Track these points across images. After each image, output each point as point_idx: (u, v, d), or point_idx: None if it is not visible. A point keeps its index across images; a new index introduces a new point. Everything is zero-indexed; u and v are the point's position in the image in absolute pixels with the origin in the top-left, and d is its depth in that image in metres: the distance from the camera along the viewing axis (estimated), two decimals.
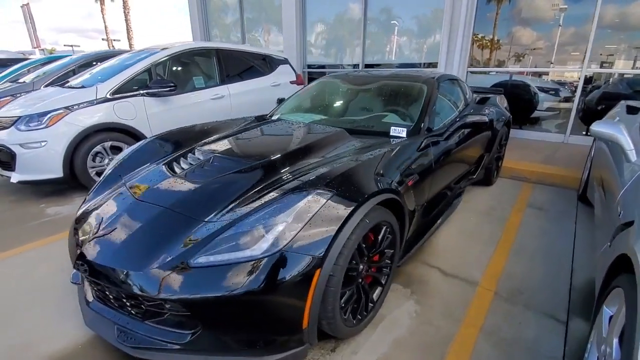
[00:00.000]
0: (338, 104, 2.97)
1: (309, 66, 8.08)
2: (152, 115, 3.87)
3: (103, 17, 28.02)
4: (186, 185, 1.75)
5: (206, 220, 1.50)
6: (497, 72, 6.88)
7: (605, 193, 2.34)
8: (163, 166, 2.00)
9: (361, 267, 1.69)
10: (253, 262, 1.29)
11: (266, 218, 1.39)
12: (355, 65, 7.26)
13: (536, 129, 5.75)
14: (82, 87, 3.84)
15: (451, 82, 3.21)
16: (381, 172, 1.80)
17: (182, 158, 2.07)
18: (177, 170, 1.94)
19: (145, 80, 3.95)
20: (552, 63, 6.54)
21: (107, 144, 3.65)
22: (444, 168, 2.54)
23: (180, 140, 2.44)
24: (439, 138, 2.44)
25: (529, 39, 6.33)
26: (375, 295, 1.85)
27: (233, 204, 1.55)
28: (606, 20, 4.96)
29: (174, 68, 4.28)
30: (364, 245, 1.65)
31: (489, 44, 8.03)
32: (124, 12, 24.45)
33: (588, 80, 5.67)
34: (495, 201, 3.44)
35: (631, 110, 2.84)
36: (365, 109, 2.74)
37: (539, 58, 6.34)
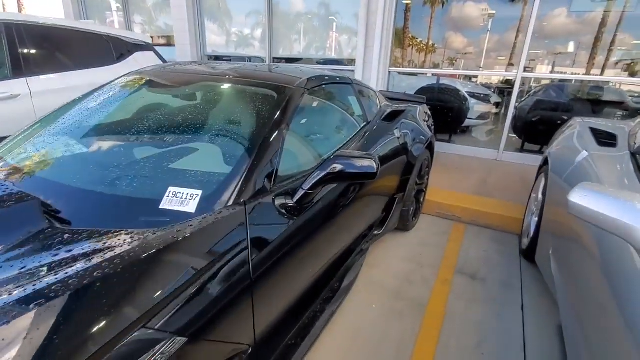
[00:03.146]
0: (123, 124, 1.57)
1: (212, 57, 6.56)
2: None
3: None
4: None
5: None
6: (421, 73, 6.03)
7: (581, 294, 1.31)
8: None
9: None
10: None
11: None
12: (262, 59, 5.93)
13: (467, 143, 4.92)
14: None
15: (341, 88, 2.01)
16: None
17: None
18: None
19: None
20: (480, 67, 5.84)
21: None
22: (305, 250, 1.32)
23: None
24: (286, 199, 1.21)
25: (461, 40, 5.61)
26: None
27: None
28: (547, 21, 4.23)
29: None
30: None
31: (414, 41, 7.20)
32: None
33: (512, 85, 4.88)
34: (413, 263, 2.34)
35: (601, 138, 1.87)
36: (161, 139, 1.40)
37: (471, 61, 5.61)
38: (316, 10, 5.49)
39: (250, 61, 6.36)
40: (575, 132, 2.20)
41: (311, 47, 5.73)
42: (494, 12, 5.17)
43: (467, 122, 5.69)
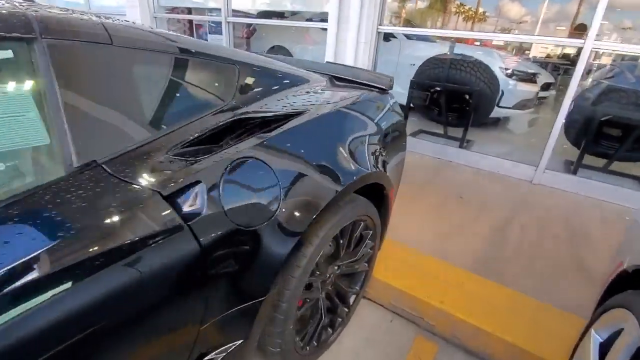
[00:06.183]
0: None
1: (168, 9, 5.13)
2: None
3: None
4: None
5: None
6: (431, 36, 4.34)
7: None
8: None
9: None
10: None
11: None
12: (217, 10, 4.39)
13: (490, 149, 3.27)
14: None
15: None
16: None
17: None
18: None
19: None
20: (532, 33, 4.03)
21: None
22: None
23: None
24: None
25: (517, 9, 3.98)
26: None
27: None
28: None
29: None
30: None
31: (461, 8, 5.61)
32: None
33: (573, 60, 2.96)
34: None
35: None
36: None
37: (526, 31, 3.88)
38: None
39: (210, 13, 4.85)
40: None
41: None
42: None
43: (497, 112, 3.98)
